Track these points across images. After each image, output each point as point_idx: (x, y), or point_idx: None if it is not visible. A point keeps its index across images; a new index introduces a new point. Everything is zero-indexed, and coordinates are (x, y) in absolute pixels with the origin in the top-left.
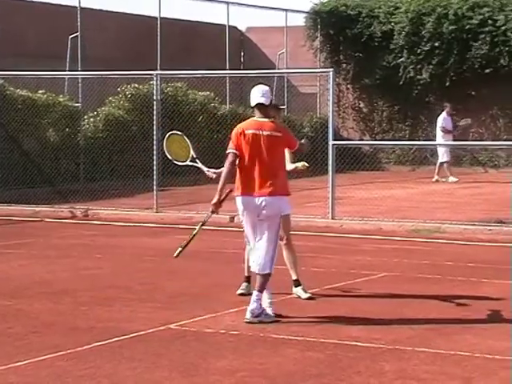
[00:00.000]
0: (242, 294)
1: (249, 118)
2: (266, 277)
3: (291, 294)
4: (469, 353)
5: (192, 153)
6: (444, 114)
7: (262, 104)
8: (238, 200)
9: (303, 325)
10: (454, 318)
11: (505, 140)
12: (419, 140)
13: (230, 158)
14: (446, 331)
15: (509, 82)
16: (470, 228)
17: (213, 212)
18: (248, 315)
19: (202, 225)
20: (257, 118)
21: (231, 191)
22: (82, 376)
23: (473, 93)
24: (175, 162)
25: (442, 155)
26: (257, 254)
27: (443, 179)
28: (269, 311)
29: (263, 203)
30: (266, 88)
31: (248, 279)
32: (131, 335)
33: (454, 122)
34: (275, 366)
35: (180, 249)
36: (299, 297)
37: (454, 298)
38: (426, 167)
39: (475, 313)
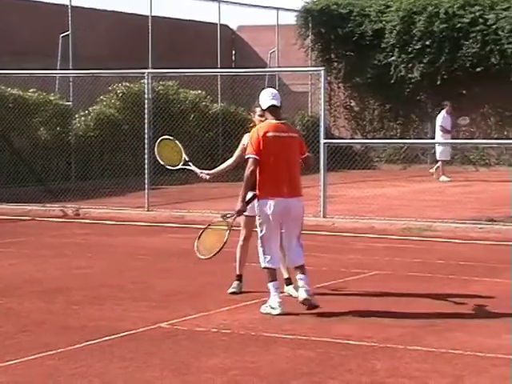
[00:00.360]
0: (233, 293)
1: (240, 116)
2: (304, 265)
3: (282, 292)
4: (460, 350)
5: (184, 156)
6: (443, 113)
7: (274, 106)
8: (264, 203)
9: (295, 323)
10: (445, 315)
11: (496, 138)
12: (410, 138)
13: (251, 165)
14: (437, 329)
15: (499, 80)
16: (461, 226)
17: (238, 215)
18: (305, 295)
19: (230, 230)
20: (270, 120)
21: (255, 196)
22: (73, 375)
23: (464, 91)
24: (168, 167)
25: (440, 154)
26: (292, 253)
27: (435, 176)
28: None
29: (292, 205)
30: (275, 91)
31: (239, 278)
32: (122, 334)
33: (453, 121)
34: (267, 365)
35: (211, 255)
36: (291, 295)
37: (445, 296)
38: (417, 166)
39: (466, 311)
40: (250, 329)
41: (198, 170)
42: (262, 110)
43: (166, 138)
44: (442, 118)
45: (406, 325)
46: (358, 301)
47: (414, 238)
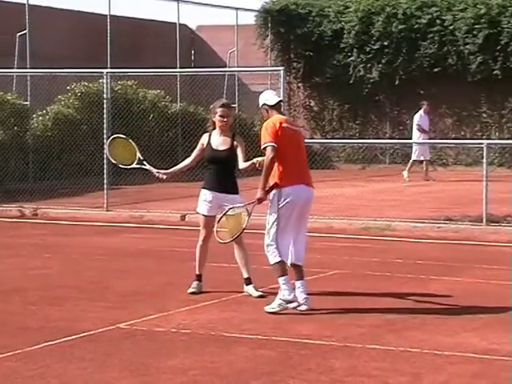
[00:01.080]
0: (193, 293)
1: (200, 116)
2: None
3: (242, 292)
4: (418, 349)
5: (138, 155)
6: (421, 112)
7: (281, 101)
8: (287, 191)
9: (255, 323)
10: (403, 314)
11: (453, 139)
12: (369, 138)
13: (271, 152)
14: (395, 328)
15: (456, 81)
16: (420, 226)
17: (258, 203)
18: (306, 306)
19: (249, 216)
20: (278, 115)
21: (276, 184)
22: (31, 376)
23: (421, 91)
24: (121, 166)
25: (414, 153)
26: (299, 247)
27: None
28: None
29: (311, 194)
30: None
31: (199, 277)
32: (81, 335)
33: (430, 120)
34: (227, 365)
35: (230, 239)
36: (250, 295)
37: (404, 295)
38: (376, 165)
39: (424, 309)
40: (210, 329)
41: (154, 170)
42: (268, 106)
43: (118, 137)
44: (419, 118)
45: (365, 324)
46: (318, 300)
47: (373, 238)
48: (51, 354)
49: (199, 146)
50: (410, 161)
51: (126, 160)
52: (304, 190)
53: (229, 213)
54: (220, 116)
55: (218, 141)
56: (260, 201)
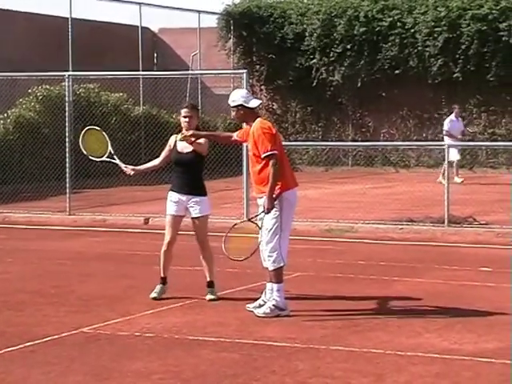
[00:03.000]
0: (154, 299)
1: (163, 119)
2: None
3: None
4: (381, 350)
5: (110, 149)
6: (451, 117)
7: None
8: (290, 194)
9: (218, 326)
10: (366, 316)
11: (415, 140)
12: (332, 141)
13: (276, 161)
14: (359, 329)
15: (417, 83)
16: (382, 227)
17: (267, 213)
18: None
19: (261, 228)
20: (260, 118)
21: (281, 192)
22: None
23: (383, 94)
24: (91, 157)
25: (452, 154)
26: (285, 247)
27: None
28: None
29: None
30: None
31: (164, 280)
32: (44, 339)
33: (462, 124)
34: (190, 368)
35: (244, 257)
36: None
37: (367, 297)
38: (339, 168)
39: (387, 311)
40: (174, 332)
41: (122, 165)
42: (247, 108)
43: (93, 128)
44: (448, 122)
45: (329, 325)
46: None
47: (336, 240)
48: (12, 359)
49: (167, 148)
50: (444, 165)
51: (97, 152)
52: (296, 191)
53: (237, 228)
54: (183, 117)
55: (182, 144)
56: (269, 211)
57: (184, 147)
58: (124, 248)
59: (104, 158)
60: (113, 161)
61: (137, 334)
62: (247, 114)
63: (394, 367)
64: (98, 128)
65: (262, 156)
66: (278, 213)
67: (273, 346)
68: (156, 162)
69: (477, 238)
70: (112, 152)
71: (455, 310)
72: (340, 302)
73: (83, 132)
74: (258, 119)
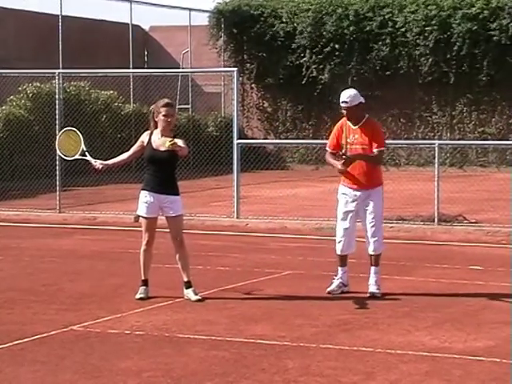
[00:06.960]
0: (140, 299)
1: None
2: None
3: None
4: (371, 348)
5: (82, 146)
6: None
7: None
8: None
9: (208, 324)
10: (356, 314)
11: (405, 139)
12: (322, 139)
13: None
14: (349, 327)
15: (407, 83)
16: None
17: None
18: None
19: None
20: None
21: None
22: None
23: (374, 93)
24: (65, 157)
25: None
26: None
27: None
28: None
29: None
30: None
31: (145, 282)
32: (33, 338)
33: None
34: (180, 366)
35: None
36: (189, 299)
37: (357, 295)
38: (330, 166)
39: (377, 309)
40: (164, 330)
41: (92, 160)
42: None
43: (68, 129)
44: None
45: (319, 324)
46: (272, 301)
47: (327, 238)
48: (1, 357)
49: (139, 143)
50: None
51: (70, 151)
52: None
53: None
54: (164, 116)
55: (159, 141)
56: (346, 162)
57: (160, 145)
58: (114, 246)
59: (77, 157)
60: (84, 158)
61: (127, 332)
62: (362, 110)
63: (384, 365)
64: (71, 128)
65: (377, 150)
66: (382, 202)
67: (263, 344)
68: (125, 156)
69: (467, 237)
70: (84, 149)
71: (445, 308)
72: (330, 300)
73: (59, 134)
74: (367, 115)
